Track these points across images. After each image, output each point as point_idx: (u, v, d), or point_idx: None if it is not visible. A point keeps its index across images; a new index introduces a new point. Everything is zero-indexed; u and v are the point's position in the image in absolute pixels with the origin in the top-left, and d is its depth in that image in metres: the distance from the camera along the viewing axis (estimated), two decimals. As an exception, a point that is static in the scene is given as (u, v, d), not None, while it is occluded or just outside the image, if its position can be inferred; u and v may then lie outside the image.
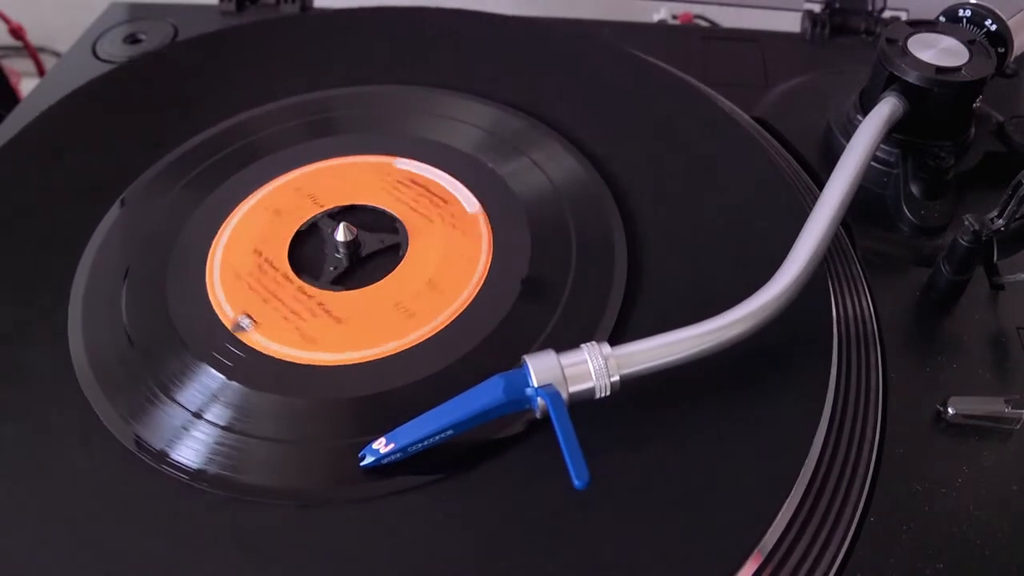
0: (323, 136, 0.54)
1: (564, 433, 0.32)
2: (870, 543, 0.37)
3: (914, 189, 0.51)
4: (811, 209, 0.43)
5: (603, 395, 0.35)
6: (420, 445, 0.35)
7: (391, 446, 0.35)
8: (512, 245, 0.46)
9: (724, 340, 0.37)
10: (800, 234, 0.41)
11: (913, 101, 0.49)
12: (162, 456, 0.38)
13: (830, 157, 0.50)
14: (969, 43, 0.50)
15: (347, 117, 0.55)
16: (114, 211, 0.49)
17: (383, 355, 0.41)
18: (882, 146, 0.52)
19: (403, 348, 0.41)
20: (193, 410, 0.39)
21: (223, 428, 0.38)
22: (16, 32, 0.89)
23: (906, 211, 0.50)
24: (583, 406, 0.35)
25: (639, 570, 0.34)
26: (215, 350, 0.41)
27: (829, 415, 0.40)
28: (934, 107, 0.49)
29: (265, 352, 0.41)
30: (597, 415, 0.36)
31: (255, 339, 0.42)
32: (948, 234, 0.49)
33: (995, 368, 0.44)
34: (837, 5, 0.68)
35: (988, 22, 0.52)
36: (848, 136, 0.48)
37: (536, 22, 0.67)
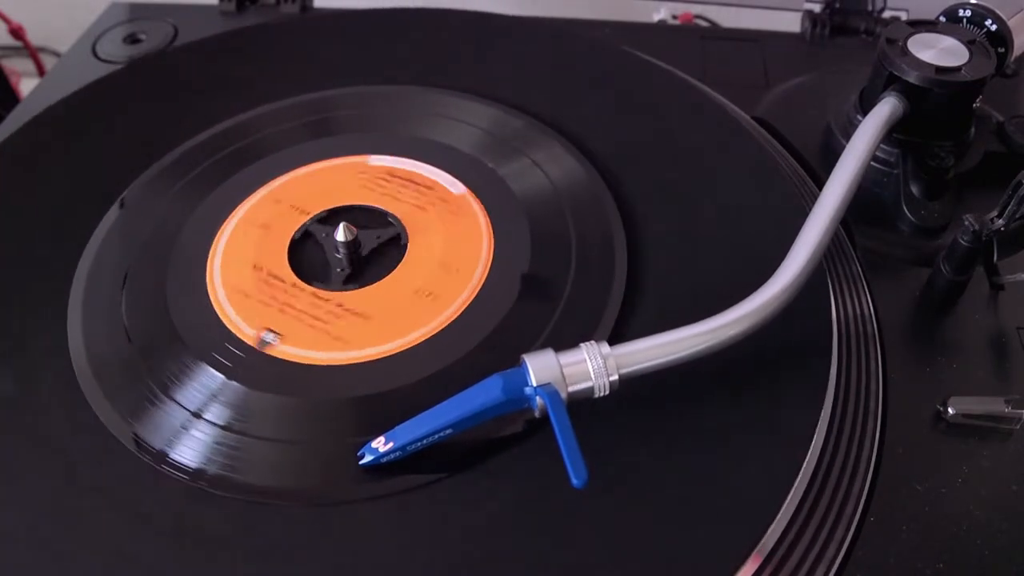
0: (322, 136, 0.54)
1: (563, 432, 0.32)
2: (870, 543, 0.37)
3: (914, 189, 0.51)
4: (811, 209, 0.43)
5: (602, 394, 0.35)
6: (419, 444, 0.35)
7: (390, 445, 0.35)
8: (512, 245, 0.46)
9: (723, 339, 0.37)
10: (800, 234, 0.41)
11: (913, 101, 0.49)
12: (162, 456, 0.38)
13: (830, 157, 0.50)
14: (969, 43, 0.50)
15: (347, 118, 0.55)
16: (114, 211, 0.49)
17: (383, 354, 0.41)
18: (882, 146, 0.52)
19: (403, 348, 0.41)
20: (193, 410, 0.39)
21: (223, 428, 0.38)
22: (16, 32, 0.89)
23: (906, 211, 0.50)
24: (582, 405, 0.35)
25: (639, 570, 0.33)
26: (215, 350, 0.41)
27: (829, 415, 0.40)
28: (934, 107, 0.49)
29: (270, 350, 0.41)
30: (596, 414, 0.36)
31: (283, 349, 0.42)
32: (948, 234, 0.49)
33: (995, 368, 0.44)
34: (837, 5, 0.68)
35: (988, 22, 0.52)
36: (848, 136, 0.48)
37: (536, 22, 0.67)
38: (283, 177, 0.51)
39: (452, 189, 0.46)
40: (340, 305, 0.43)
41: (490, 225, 0.47)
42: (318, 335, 0.42)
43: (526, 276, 0.44)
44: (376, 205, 0.49)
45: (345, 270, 0.45)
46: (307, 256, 0.47)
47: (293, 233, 0.47)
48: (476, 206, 0.48)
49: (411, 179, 0.50)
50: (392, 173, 0.50)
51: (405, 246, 0.46)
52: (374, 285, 0.44)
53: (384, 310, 0.43)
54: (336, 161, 0.52)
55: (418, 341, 0.41)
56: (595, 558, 0.34)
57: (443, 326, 0.42)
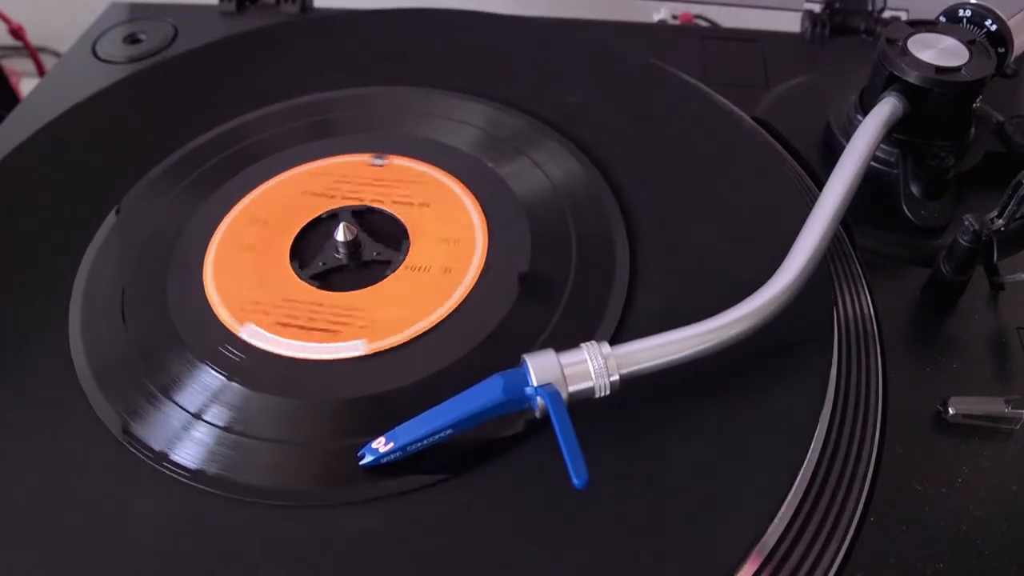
0: (323, 137, 0.54)
1: (564, 432, 0.32)
2: (870, 543, 0.37)
3: (914, 189, 0.51)
4: (811, 209, 0.43)
5: (603, 394, 0.35)
6: (419, 444, 0.35)
7: (390, 445, 0.35)
8: (512, 245, 0.46)
9: (724, 339, 0.37)
10: (800, 234, 0.41)
11: (913, 101, 0.49)
12: (162, 456, 0.38)
13: (830, 157, 0.50)
14: (969, 43, 0.50)
15: (347, 118, 0.55)
16: (114, 213, 0.49)
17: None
18: (882, 146, 0.52)
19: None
20: (193, 411, 0.39)
21: (222, 429, 0.38)
22: (16, 32, 0.89)
23: (906, 211, 0.50)
24: (583, 405, 0.35)
25: (639, 570, 0.33)
26: (215, 351, 0.41)
27: (829, 415, 0.40)
28: (934, 107, 0.49)
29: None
30: (597, 415, 0.36)
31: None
32: (948, 234, 0.49)
33: (995, 368, 0.44)
34: (837, 5, 0.68)
35: (988, 22, 0.52)
36: (848, 136, 0.48)
37: (536, 22, 0.67)
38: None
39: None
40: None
41: (490, 225, 0.47)
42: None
43: (526, 276, 0.44)
44: (376, 205, 0.49)
45: (346, 270, 0.45)
46: (308, 256, 0.47)
47: (294, 232, 0.47)
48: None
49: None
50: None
51: (406, 246, 0.46)
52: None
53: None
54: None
55: (418, 341, 0.41)
56: (595, 558, 0.34)
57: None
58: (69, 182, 0.52)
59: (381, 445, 0.35)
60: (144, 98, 0.59)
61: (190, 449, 0.38)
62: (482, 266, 0.45)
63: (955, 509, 0.38)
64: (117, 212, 0.49)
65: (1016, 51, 0.52)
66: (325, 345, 0.41)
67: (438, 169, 0.50)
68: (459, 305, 0.43)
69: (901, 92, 0.49)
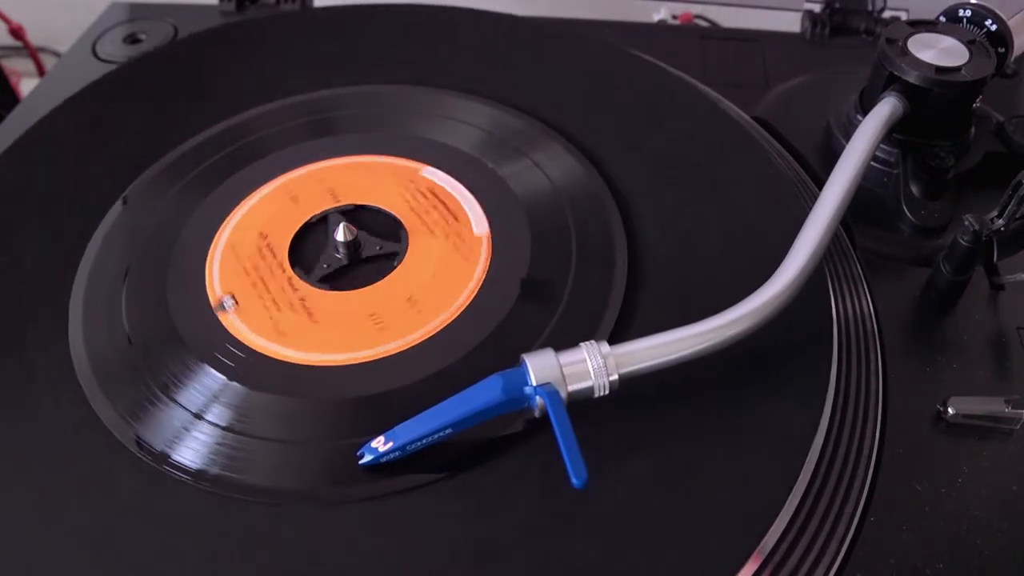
0: (323, 136, 0.54)
1: (563, 432, 0.32)
2: (870, 543, 0.37)
3: (914, 189, 0.51)
4: (811, 209, 0.42)
5: (602, 394, 0.35)
6: (419, 444, 0.35)
7: (389, 444, 0.35)
8: (513, 246, 0.46)
9: (723, 339, 0.37)
10: (800, 234, 0.41)
11: (913, 101, 0.49)
12: (163, 457, 0.37)
13: (830, 157, 0.50)
14: (969, 43, 0.50)
15: (347, 117, 0.55)
16: (115, 210, 0.49)
17: (382, 355, 0.41)
18: (882, 146, 0.52)
19: (403, 349, 0.41)
20: (194, 410, 0.39)
21: (224, 429, 0.38)
22: (16, 32, 0.89)
23: (906, 211, 0.50)
24: (582, 405, 0.35)
25: (639, 570, 0.33)
26: (216, 350, 0.41)
27: (829, 415, 0.40)
28: (934, 107, 0.49)
29: (268, 349, 0.41)
30: (596, 414, 0.36)
31: (231, 321, 0.42)
32: (948, 234, 0.49)
33: (995, 368, 0.44)
34: (837, 5, 0.68)
35: (988, 22, 0.52)
36: (848, 136, 0.48)
37: (536, 22, 0.67)
38: (281, 175, 0.51)
39: (475, 229, 0.46)
40: (303, 300, 0.44)
41: (491, 226, 0.47)
42: (266, 321, 0.42)
43: (526, 276, 0.44)
44: (376, 205, 0.49)
45: (346, 270, 0.45)
46: (308, 256, 0.47)
47: (294, 231, 0.47)
48: (474, 205, 0.48)
49: (443, 203, 0.49)
50: (392, 174, 0.50)
51: (406, 248, 0.46)
52: (357, 290, 0.44)
53: (337, 319, 0.43)
54: (336, 160, 0.52)
55: (418, 341, 0.41)
56: (594, 558, 0.34)
57: (443, 326, 0.42)
58: (70, 180, 0.52)
59: (380, 444, 0.35)
60: (142, 90, 0.59)
61: (191, 449, 0.38)
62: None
63: (955, 509, 0.38)
64: (124, 202, 0.49)
65: (1016, 51, 0.52)
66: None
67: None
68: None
69: (901, 92, 0.49)
